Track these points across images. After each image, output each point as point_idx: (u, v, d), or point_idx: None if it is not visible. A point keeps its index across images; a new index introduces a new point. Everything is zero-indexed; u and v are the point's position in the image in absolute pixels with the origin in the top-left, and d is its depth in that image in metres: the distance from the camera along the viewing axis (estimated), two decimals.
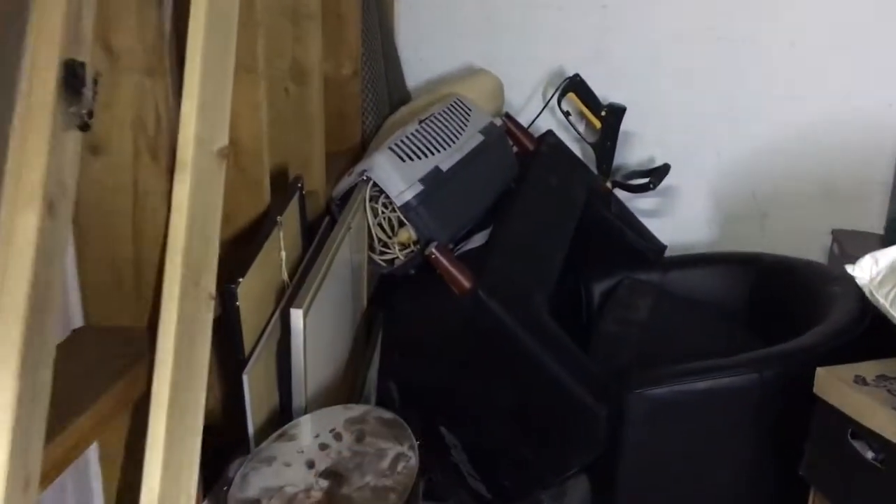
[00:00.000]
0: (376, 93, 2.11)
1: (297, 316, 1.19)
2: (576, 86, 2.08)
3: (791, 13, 2.18)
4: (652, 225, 2.22)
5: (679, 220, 2.36)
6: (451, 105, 1.92)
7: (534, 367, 1.63)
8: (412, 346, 1.78)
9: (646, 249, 2.09)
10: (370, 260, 1.81)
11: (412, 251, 1.77)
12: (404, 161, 1.73)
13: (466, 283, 1.61)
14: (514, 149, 2.05)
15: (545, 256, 1.84)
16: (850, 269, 1.35)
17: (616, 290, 2.02)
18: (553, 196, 1.95)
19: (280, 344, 1.25)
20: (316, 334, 1.29)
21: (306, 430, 1.17)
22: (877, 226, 2.30)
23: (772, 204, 2.37)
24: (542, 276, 1.78)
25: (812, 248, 2.29)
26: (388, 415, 1.19)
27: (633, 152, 2.28)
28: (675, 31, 2.20)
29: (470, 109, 1.93)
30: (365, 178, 1.72)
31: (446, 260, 1.62)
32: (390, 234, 1.78)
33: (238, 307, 1.15)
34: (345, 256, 1.57)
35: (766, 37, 2.19)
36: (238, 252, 1.29)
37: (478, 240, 1.88)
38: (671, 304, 1.99)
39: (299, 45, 1.68)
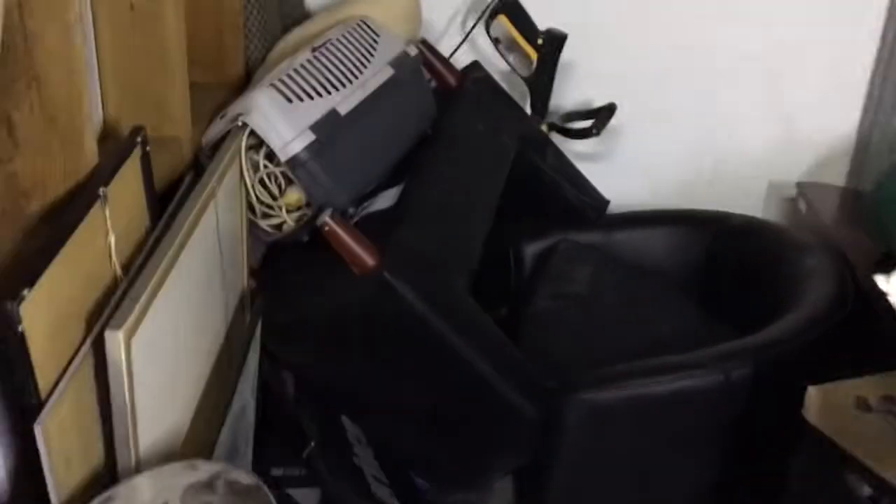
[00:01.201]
0: (263, 9, 1.70)
1: (114, 341, 0.83)
2: (507, 7, 1.71)
3: None
4: (590, 172, 1.91)
5: (622, 168, 2.05)
6: (354, 29, 1.53)
7: (451, 360, 1.32)
8: (304, 330, 1.44)
9: (585, 206, 1.78)
10: (252, 225, 1.45)
11: (305, 214, 1.41)
12: (291, 102, 1.35)
13: (369, 261, 1.27)
14: (433, 84, 1.68)
15: (468, 220, 1.51)
16: (881, 282, 1.07)
17: (551, 256, 1.71)
18: (479, 144, 1.60)
19: (98, 377, 0.90)
20: (154, 356, 0.94)
21: (130, 502, 0.83)
22: (840, 179, 2.05)
23: (727, 152, 2.09)
24: (463, 245, 1.45)
25: (773, 201, 2.03)
26: (244, 479, 0.86)
27: (573, 89, 1.93)
28: None
29: (377, 35, 1.55)
30: (240, 123, 1.34)
31: (344, 232, 1.27)
32: (276, 193, 1.42)
33: (23, 333, 0.79)
34: (209, 228, 1.21)
35: None
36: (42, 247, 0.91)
37: (386, 199, 1.52)
38: (614, 272, 1.70)
39: None
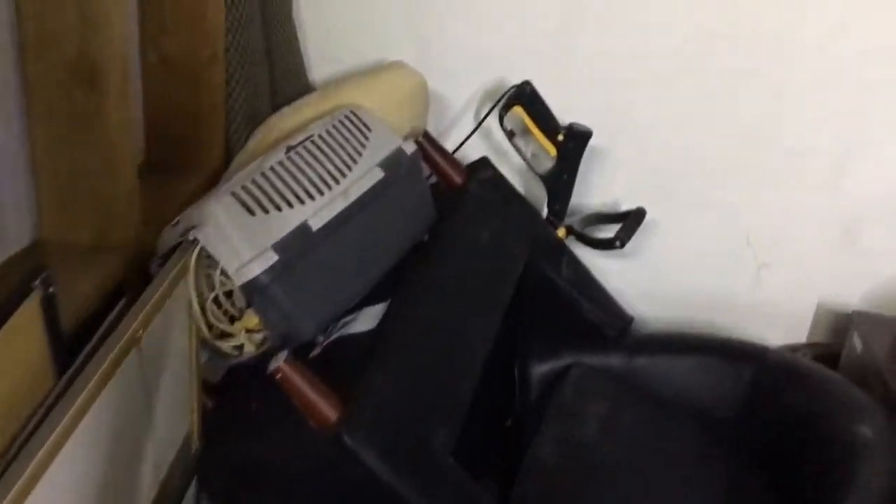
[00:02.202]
0: (250, 84, 1.51)
1: None
2: (525, 97, 1.49)
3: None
4: (610, 273, 1.68)
5: (648, 269, 1.82)
6: (340, 123, 1.32)
7: None
8: (256, 474, 1.23)
9: (604, 324, 1.54)
10: (209, 346, 1.25)
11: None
12: (254, 214, 1.15)
13: (329, 415, 1.05)
14: (432, 178, 1.47)
15: (459, 355, 1.28)
16: None
17: (562, 384, 1.48)
18: (481, 257, 1.38)
19: None
20: None
21: None
22: None
23: (772, 250, 1.84)
24: (450, 388, 1.22)
25: (821, 325, 1.78)
26: None
27: (595, 187, 1.71)
28: (664, 27, 1.62)
29: (369, 129, 1.34)
30: (191, 238, 1.14)
31: (300, 381, 1.05)
32: (235, 313, 1.21)
33: None
34: (127, 379, 1.00)
35: (793, 32, 1.61)
36: None
37: (367, 319, 1.31)
38: (634, 410, 1.46)
39: (88, 28, 1.07)
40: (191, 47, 1.40)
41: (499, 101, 1.51)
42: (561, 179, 1.54)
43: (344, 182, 1.25)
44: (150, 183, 1.38)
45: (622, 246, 1.49)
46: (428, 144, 1.43)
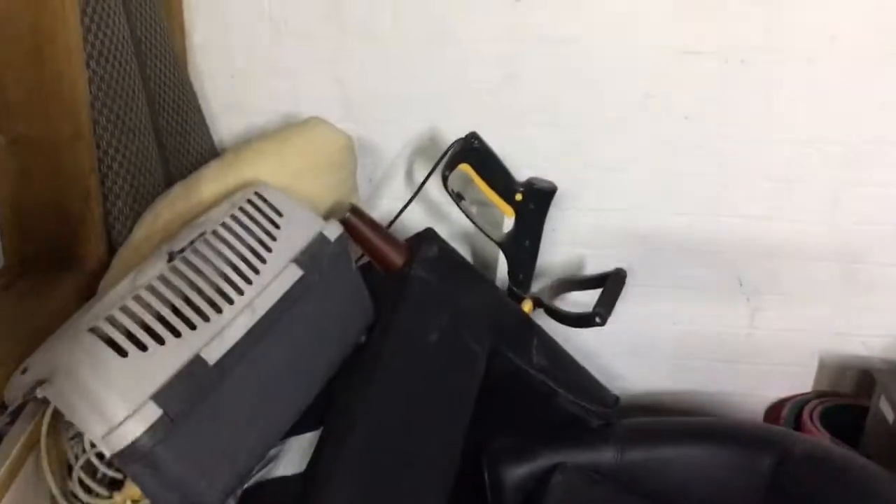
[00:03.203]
0: (131, 161, 1.21)
1: None
2: (472, 153, 1.23)
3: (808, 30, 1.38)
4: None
5: (629, 322, 1.57)
6: (241, 212, 1.04)
7: None
8: None
9: (587, 414, 1.28)
10: None
11: None
12: (125, 355, 0.86)
13: None
14: (364, 257, 1.20)
15: (421, 484, 1.02)
16: None
17: (545, 496, 1.21)
18: (435, 360, 1.10)
19: None
20: None
21: None
22: None
23: (766, 295, 1.61)
24: None
25: (828, 364, 1.56)
26: None
27: (559, 241, 1.45)
28: (627, 47, 1.37)
29: (279, 215, 1.06)
30: (39, 396, 0.85)
31: None
32: (116, 477, 0.92)
33: None
34: None
35: (778, 57, 1.39)
36: None
37: (292, 458, 1.03)
38: None
39: None
40: (46, 125, 1.11)
41: (441, 159, 1.24)
42: (522, 245, 1.28)
43: (249, 291, 0.97)
44: (16, 290, 1.10)
45: (603, 322, 1.23)
46: (358, 221, 1.16)
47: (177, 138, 1.38)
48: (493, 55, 1.36)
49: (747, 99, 1.42)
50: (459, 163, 1.22)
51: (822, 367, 1.66)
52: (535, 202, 1.24)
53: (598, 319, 1.22)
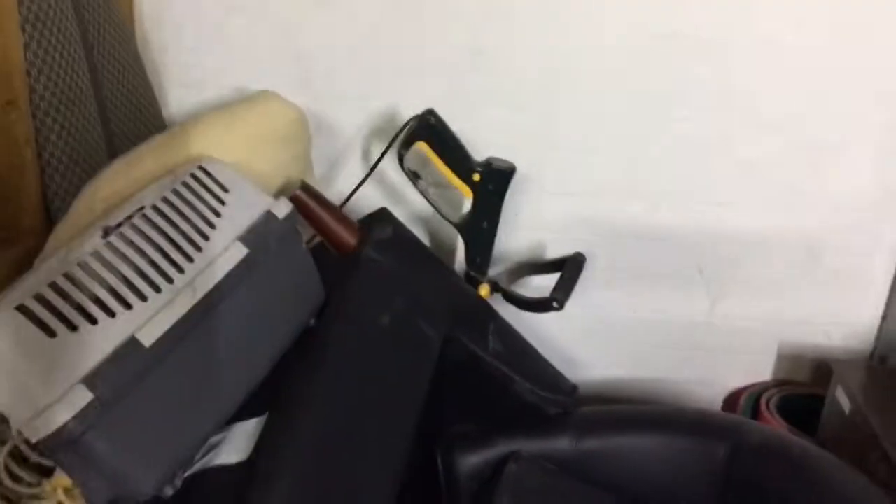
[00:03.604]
0: (71, 133, 1.16)
1: None
2: (428, 131, 1.19)
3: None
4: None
5: (588, 307, 1.55)
6: (184, 186, 0.99)
7: None
8: None
9: (544, 402, 1.26)
10: None
11: None
12: (55, 335, 0.81)
13: None
14: (316, 238, 1.15)
15: (369, 477, 0.98)
16: None
17: (496, 486, 1.18)
18: (387, 345, 1.07)
19: None
20: None
21: None
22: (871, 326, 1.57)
23: (727, 284, 1.60)
24: None
25: (788, 354, 1.55)
26: None
27: (521, 224, 1.43)
28: (592, 27, 1.34)
29: (225, 191, 1.01)
30: None
31: None
32: (48, 464, 0.87)
33: None
34: None
35: (737, 34, 1.37)
36: None
37: (237, 445, 0.99)
38: None
39: None
40: None
41: (396, 136, 1.20)
42: (480, 227, 1.25)
43: (190, 270, 0.92)
44: None
45: (561, 307, 1.20)
46: (308, 199, 1.11)
47: (123, 111, 1.33)
48: (459, 29, 1.32)
49: (711, 82, 1.40)
50: (416, 140, 1.18)
51: (781, 356, 1.65)
52: (493, 183, 1.21)
53: (555, 304, 1.19)
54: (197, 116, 1.21)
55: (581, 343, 1.64)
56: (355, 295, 1.06)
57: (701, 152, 1.47)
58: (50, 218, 1.17)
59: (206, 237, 0.96)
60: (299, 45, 1.37)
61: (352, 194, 1.24)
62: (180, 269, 0.92)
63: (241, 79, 1.41)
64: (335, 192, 1.44)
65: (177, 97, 1.46)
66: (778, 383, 1.65)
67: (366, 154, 1.43)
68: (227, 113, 1.19)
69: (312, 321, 1.08)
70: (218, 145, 1.15)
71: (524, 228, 1.49)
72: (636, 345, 1.66)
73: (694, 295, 1.61)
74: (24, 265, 1.11)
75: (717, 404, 1.71)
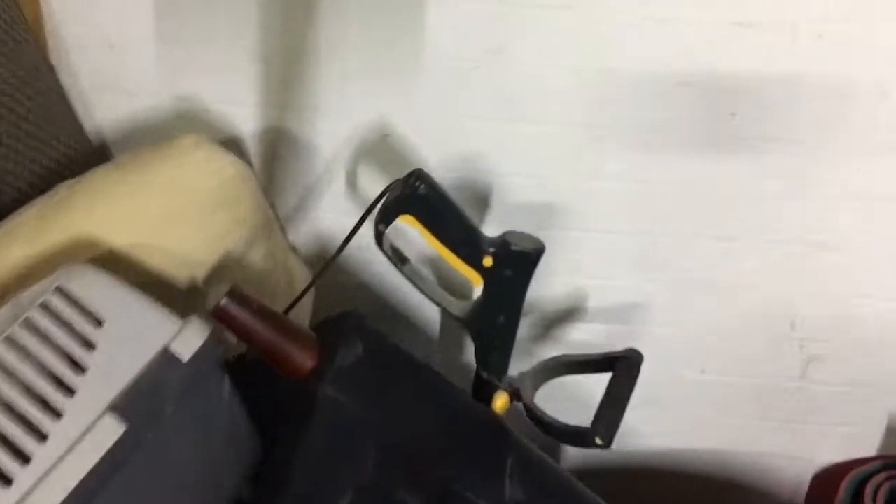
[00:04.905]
0: None
1: None
2: (417, 200, 0.81)
3: None
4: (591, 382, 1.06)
5: (651, 366, 1.20)
6: (34, 321, 0.64)
7: None
8: None
9: None
10: None
11: None
12: None
13: None
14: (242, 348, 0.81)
15: None
16: None
17: None
18: None
19: None
20: None
21: None
22: None
23: (822, 340, 1.23)
24: None
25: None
26: None
27: (556, 275, 1.07)
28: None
29: (99, 320, 0.66)
30: None
31: None
32: None
33: None
34: None
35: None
36: None
37: None
38: None
39: None
40: None
41: (370, 208, 0.83)
42: (494, 322, 0.88)
43: (41, 458, 0.59)
44: None
45: (606, 444, 0.84)
46: (239, 311, 0.76)
47: (15, 131, 0.97)
48: (473, 21, 0.95)
49: None
50: (399, 214, 0.81)
51: (893, 429, 1.29)
52: (511, 268, 0.84)
53: (598, 441, 0.83)
54: (95, 172, 0.85)
55: (636, 407, 1.30)
56: (306, 461, 0.72)
57: (790, 192, 1.09)
58: None
59: (57, 413, 0.62)
60: (258, 38, 1.01)
61: (330, 262, 0.86)
62: (25, 459, 0.60)
63: (183, 82, 1.06)
64: (311, 227, 1.11)
65: (104, 105, 1.11)
66: (888, 464, 1.29)
67: (350, 178, 1.08)
68: (136, 171, 0.83)
69: (245, 492, 0.75)
70: (120, 220, 0.80)
71: (559, 274, 1.14)
72: (705, 412, 1.31)
73: (782, 354, 1.25)
74: None
75: (804, 483, 1.37)
